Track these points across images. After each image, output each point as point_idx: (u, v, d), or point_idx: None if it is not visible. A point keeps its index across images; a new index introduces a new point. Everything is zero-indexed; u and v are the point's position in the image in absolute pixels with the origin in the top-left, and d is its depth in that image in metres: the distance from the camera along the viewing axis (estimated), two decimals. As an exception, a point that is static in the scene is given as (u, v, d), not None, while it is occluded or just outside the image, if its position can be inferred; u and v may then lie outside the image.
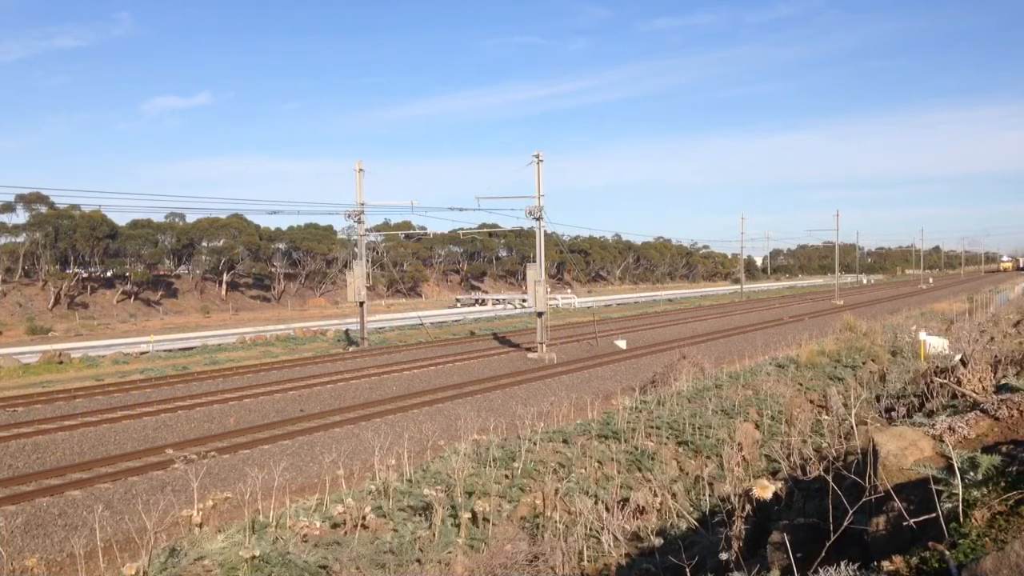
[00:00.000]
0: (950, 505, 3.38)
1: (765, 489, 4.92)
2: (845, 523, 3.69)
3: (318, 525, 8.38)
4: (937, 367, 11.23)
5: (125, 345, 38.37)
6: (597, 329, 39.36)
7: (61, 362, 32.47)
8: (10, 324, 54.57)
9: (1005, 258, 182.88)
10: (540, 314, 33.40)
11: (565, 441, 12.62)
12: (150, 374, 29.33)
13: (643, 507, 8.58)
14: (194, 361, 33.40)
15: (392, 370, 29.07)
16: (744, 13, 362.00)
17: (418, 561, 8.11)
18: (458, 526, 8.82)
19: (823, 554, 3.60)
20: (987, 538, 3.02)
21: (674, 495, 9.12)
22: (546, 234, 34.83)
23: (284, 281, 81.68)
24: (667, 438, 13.02)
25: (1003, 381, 6.88)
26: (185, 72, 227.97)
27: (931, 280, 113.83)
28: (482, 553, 8.71)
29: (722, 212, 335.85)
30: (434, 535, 8.60)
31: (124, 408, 22.14)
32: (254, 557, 6.56)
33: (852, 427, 7.32)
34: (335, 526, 8.75)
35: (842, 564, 3.24)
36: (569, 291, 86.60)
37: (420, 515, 9.32)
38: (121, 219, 70.37)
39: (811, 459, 7.53)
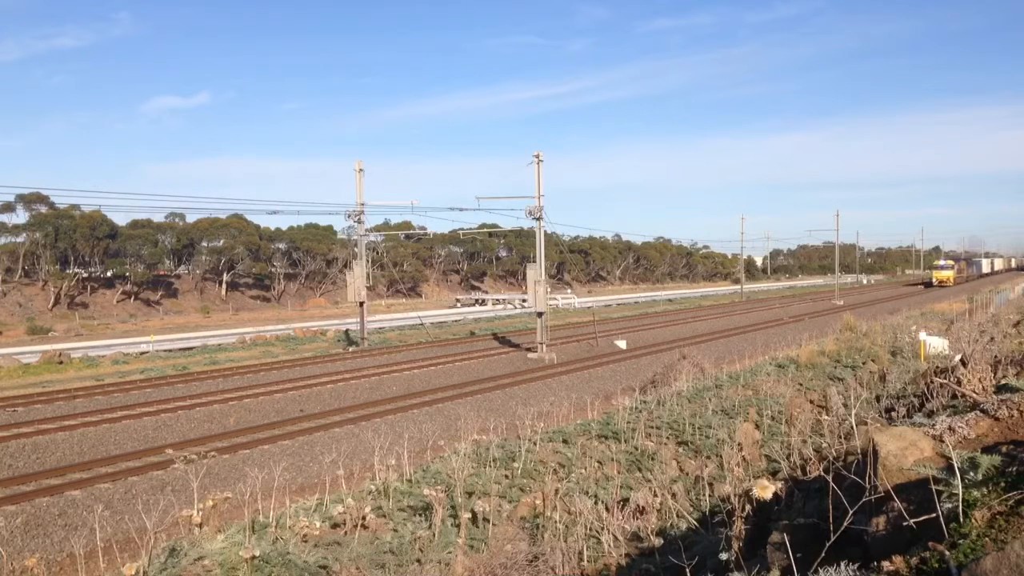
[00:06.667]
0: (950, 505, 3.38)
1: (765, 489, 4.92)
2: (845, 523, 3.69)
3: (318, 525, 8.38)
4: (937, 367, 11.23)
5: (125, 345, 38.38)
6: (597, 329, 39.36)
7: (61, 362, 32.47)
8: (10, 324, 54.57)
9: (942, 262, 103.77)
10: (540, 314, 33.40)
11: (565, 441, 12.63)
12: (150, 374, 29.33)
13: (643, 507, 8.57)
14: (194, 361, 33.40)
15: (392, 370, 29.07)
16: (744, 13, 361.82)
17: (418, 561, 8.11)
18: (458, 526, 8.82)
19: (823, 554, 3.59)
20: (987, 538, 3.02)
21: (674, 495, 9.12)
22: (546, 234, 34.84)
23: (284, 281, 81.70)
24: (667, 438, 13.02)
25: (1003, 381, 6.88)
26: (185, 72, 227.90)
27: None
28: (482, 553, 8.70)
29: (722, 212, 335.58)
30: (434, 535, 8.60)
31: (124, 408, 22.15)
32: (254, 557, 6.55)
33: (852, 427, 7.32)
34: (335, 526, 8.75)
35: (842, 564, 3.24)
36: (569, 291, 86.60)
37: (420, 515, 9.32)
38: (121, 219, 70.61)
39: (811, 459, 7.53)
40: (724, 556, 4.68)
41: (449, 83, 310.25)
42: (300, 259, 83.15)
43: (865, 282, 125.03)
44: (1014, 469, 3.60)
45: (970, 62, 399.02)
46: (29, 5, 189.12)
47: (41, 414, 21.56)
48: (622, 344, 37.31)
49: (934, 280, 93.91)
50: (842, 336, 26.76)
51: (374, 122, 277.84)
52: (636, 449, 12.39)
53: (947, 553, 2.99)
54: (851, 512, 3.70)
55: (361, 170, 37.67)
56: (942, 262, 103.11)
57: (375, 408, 22.57)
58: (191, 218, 73.88)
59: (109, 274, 70.05)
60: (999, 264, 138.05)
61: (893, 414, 9.34)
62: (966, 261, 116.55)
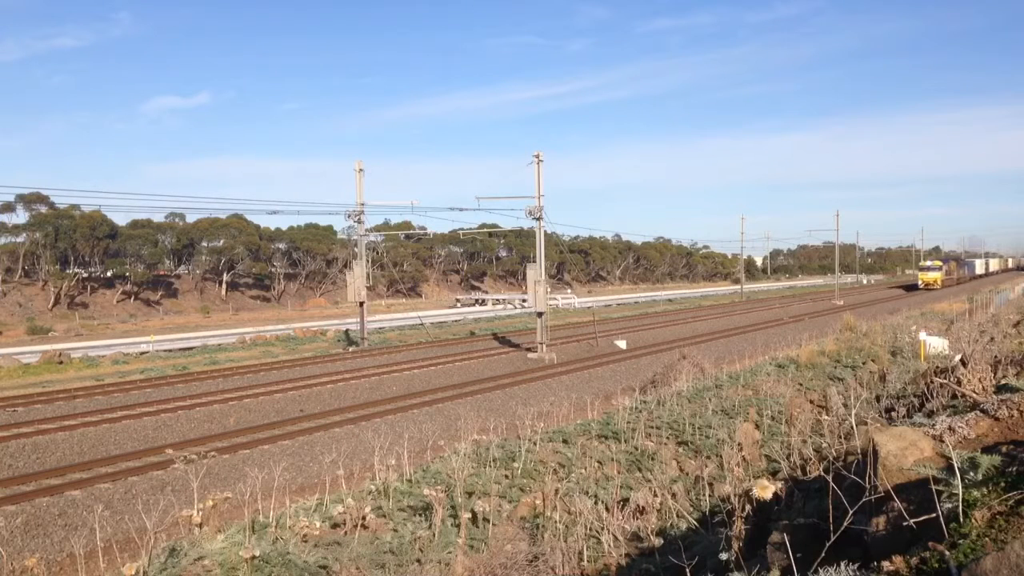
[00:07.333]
0: (950, 505, 3.38)
1: (765, 489, 4.92)
2: (845, 523, 3.69)
3: (318, 525, 8.38)
4: (937, 367, 11.24)
5: (125, 345, 38.38)
6: (597, 329, 39.35)
7: (61, 362, 32.47)
8: (10, 324, 54.56)
9: (929, 262, 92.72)
10: (540, 314, 33.40)
11: (565, 441, 12.63)
12: (150, 374, 29.33)
13: (643, 507, 8.57)
14: (194, 361, 33.40)
15: (392, 370, 29.07)
16: (744, 13, 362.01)
17: (418, 561, 8.11)
18: (458, 526, 8.82)
19: (823, 554, 3.59)
20: (987, 538, 3.02)
21: (674, 495, 9.11)
22: (546, 234, 34.83)
23: (284, 281, 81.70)
24: (667, 438, 13.02)
25: (1003, 381, 6.88)
26: (185, 72, 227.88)
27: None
28: (482, 553, 8.70)
29: (722, 212, 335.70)
30: (434, 535, 8.60)
31: (124, 408, 22.14)
32: (254, 557, 6.55)
33: (852, 427, 7.32)
34: (335, 526, 8.75)
35: (842, 564, 3.24)
36: (569, 291, 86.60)
37: (420, 515, 9.32)
38: (121, 219, 70.62)
39: (811, 459, 7.53)
40: (724, 556, 4.68)
41: (449, 83, 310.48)
42: (300, 259, 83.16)
43: (865, 282, 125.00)
44: (1014, 469, 3.60)
45: (970, 62, 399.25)
46: (29, 5, 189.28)
47: (41, 414, 21.56)
48: (622, 344, 37.31)
49: (920, 283, 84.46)
50: (842, 336, 26.77)
51: (374, 122, 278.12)
52: (636, 449, 12.39)
53: (947, 553, 2.99)
54: (851, 512, 3.69)
55: (361, 170, 37.67)
56: (929, 262, 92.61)
57: (375, 408, 22.57)
58: (191, 218, 74.07)
59: (109, 274, 70.06)
60: (995, 265, 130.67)
61: (893, 414, 9.33)
62: (956, 261, 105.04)
